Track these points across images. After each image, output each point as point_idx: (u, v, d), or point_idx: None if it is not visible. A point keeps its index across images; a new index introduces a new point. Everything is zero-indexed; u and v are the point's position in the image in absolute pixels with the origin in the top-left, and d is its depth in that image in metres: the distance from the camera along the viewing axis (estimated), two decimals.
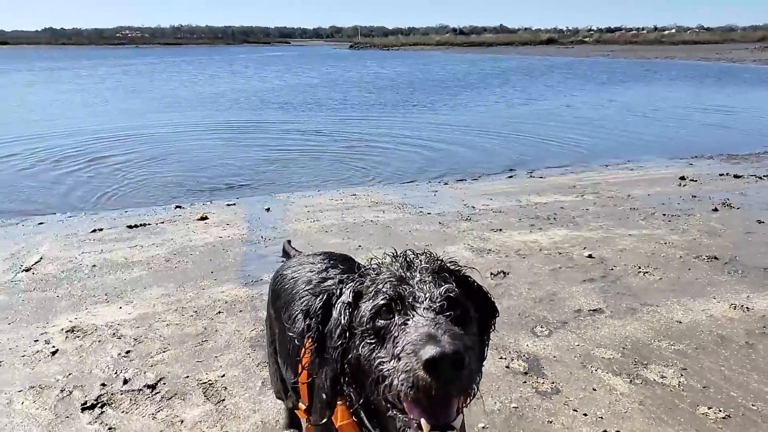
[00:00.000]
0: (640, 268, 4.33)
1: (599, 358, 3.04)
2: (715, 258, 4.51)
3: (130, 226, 5.75)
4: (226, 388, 2.80)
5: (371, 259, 1.30)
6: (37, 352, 3.14)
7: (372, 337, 1.15)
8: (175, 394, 2.75)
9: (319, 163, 9.84)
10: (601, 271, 4.28)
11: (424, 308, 1.11)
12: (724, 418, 2.55)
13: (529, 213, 5.96)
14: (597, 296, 3.82)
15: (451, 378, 0.99)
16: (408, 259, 1.27)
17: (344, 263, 1.96)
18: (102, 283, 4.25)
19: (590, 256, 4.57)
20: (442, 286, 1.18)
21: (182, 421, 2.55)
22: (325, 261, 1.94)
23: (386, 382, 1.07)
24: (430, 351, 0.98)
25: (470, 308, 1.21)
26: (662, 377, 2.87)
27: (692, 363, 3.01)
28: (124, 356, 3.09)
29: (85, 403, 2.66)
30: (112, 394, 2.74)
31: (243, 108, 17.59)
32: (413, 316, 1.10)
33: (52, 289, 4.14)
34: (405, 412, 1.07)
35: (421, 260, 1.27)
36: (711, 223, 5.45)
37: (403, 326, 1.09)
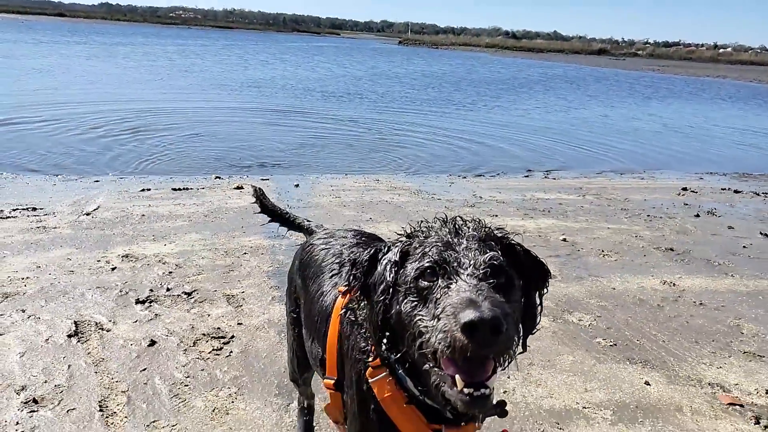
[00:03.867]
0: (602, 251, 4.95)
1: None
2: (671, 249, 5.09)
3: (174, 189, 6.57)
4: (244, 299, 3.59)
5: (421, 222, 1.33)
6: (100, 267, 3.96)
7: (415, 295, 1.18)
8: (205, 299, 3.55)
9: (351, 150, 10.46)
10: (568, 250, 4.88)
11: (467, 274, 1.14)
12: (611, 345, 3.29)
13: (528, 205, 6.51)
14: (555, 267, 4.42)
15: (488, 342, 1.01)
16: (456, 225, 1.29)
17: (375, 242, 1.93)
18: (150, 227, 5.06)
19: (564, 239, 5.17)
20: (487, 253, 1.20)
21: (209, 315, 3.35)
22: (357, 237, 1.96)
23: (424, 338, 1.11)
24: (469, 315, 1.01)
25: (514, 276, 1.23)
26: (579, 320, 3.57)
27: (607, 314, 3.72)
28: (167, 275, 3.89)
29: (138, 299, 3.48)
30: (157, 296, 3.55)
31: (287, 94, 18.44)
32: (456, 281, 1.13)
33: (109, 229, 4.97)
34: (441, 368, 1.12)
35: (469, 227, 1.29)
36: (686, 225, 5.96)
37: (445, 289, 1.13)
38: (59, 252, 4.25)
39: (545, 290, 1.33)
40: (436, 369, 1.12)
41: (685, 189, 7.87)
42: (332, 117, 14.09)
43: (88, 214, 5.43)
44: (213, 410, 2.50)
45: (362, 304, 1.35)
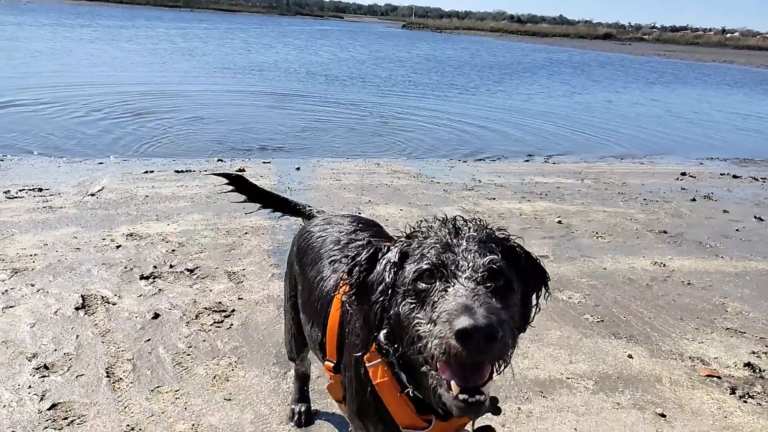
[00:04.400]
0: (596, 233, 5.04)
1: None
2: (664, 232, 5.19)
3: (177, 171, 6.67)
4: (244, 275, 3.71)
5: (420, 221, 1.32)
6: (105, 245, 4.08)
7: (413, 297, 1.18)
8: (207, 276, 3.67)
9: (353, 134, 10.50)
10: (562, 232, 4.97)
11: (465, 277, 1.13)
12: (598, 321, 3.40)
13: (526, 189, 6.59)
14: (548, 248, 4.53)
15: (483, 349, 1.01)
16: (456, 225, 1.28)
17: (372, 227, 1.98)
18: (153, 208, 5.17)
19: (559, 222, 5.26)
20: (487, 256, 1.18)
21: (211, 290, 3.48)
22: (354, 223, 1.95)
23: (421, 343, 1.12)
24: (463, 322, 1.01)
25: (513, 280, 1.22)
26: (569, 298, 3.68)
27: (597, 292, 3.82)
28: (170, 252, 4.01)
29: (142, 275, 3.61)
30: (161, 272, 3.67)
31: (290, 78, 18.42)
32: (454, 284, 1.12)
33: (113, 209, 5.08)
34: (438, 371, 1.12)
35: (469, 227, 1.27)
36: (681, 209, 6.04)
37: (443, 292, 1.12)
38: (65, 230, 4.37)
39: (543, 294, 1.32)
40: (432, 372, 1.14)
41: (683, 174, 7.93)
42: (335, 101, 14.10)
43: (92, 195, 5.54)
44: (214, 377, 2.63)
45: (354, 304, 1.34)
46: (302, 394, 2.39)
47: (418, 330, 1.13)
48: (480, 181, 6.98)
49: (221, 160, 7.60)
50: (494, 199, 6.04)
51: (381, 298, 1.24)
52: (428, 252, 1.21)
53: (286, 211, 2.43)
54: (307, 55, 28.88)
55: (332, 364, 1.62)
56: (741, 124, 14.71)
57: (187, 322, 3.08)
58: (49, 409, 2.33)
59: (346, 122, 11.51)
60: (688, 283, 4.02)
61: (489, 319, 1.01)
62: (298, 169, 7.21)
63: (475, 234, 1.25)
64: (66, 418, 2.29)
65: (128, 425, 2.27)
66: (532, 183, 6.99)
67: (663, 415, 2.53)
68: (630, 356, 3.01)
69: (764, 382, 2.80)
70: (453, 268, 1.16)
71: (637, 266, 4.32)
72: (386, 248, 1.32)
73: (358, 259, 1.34)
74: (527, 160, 9.08)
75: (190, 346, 2.86)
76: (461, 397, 1.08)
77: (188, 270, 3.72)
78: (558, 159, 9.19)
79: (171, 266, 3.76)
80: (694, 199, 6.48)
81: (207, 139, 9.40)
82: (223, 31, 48.23)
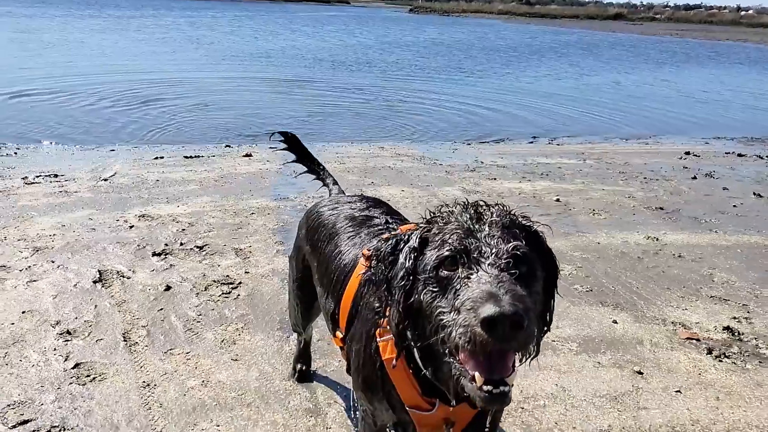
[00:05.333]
0: (593, 210, 5.16)
1: None
2: (661, 209, 5.29)
3: (186, 157, 6.86)
4: (251, 252, 3.92)
5: (441, 206, 1.30)
6: (119, 226, 4.30)
7: (434, 285, 1.16)
8: (216, 252, 3.88)
9: (358, 119, 10.58)
10: (560, 210, 5.10)
11: (489, 264, 1.10)
12: (587, 291, 3.55)
13: (527, 170, 6.70)
14: (544, 224, 4.63)
15: (508, 337, 0.99)
16: (479, 210, 1.25)
17: (381, 205, 2.00)
18: (164, 191, 5.37)
19: (558, 200, 5.38)
20: (511, 242, 1.16)
21: (219, 265, 3.68)
22: (364, 201, 1.99)
23: (444, 333, 1.09)
24: (488, 310, 0.98)
25: (537, 267, 1.20)
26: (561, 270, 3.72)
27: (588, 264, 3.96)
28: (181, 232, 4.22)
29: (154, 252, 3.82)
30: (172, 249, 3.89)
31: (297, 64, 18.50)
32: (477, 271, 1.09)
33: (126, 192, 5.29)
34: (461, 362, 1.10)
35: (492, 213, 1.24)
36: (681, 187, 6.11)
37: (466, 280, 1.09)
38: (81, 213, 4.58)
39: (556, 289, 1.29)
40: (455, 363, 1.12)
41: (687, 153, 7.96)
42: (341, 86, 14.17)
43: (105, 180, 5.76)
44: (222, 341, 2.83)
45: (384, 296, 1.30)
46: (304, 354, 2.55)
47: (442, 319, 1.10)
48: (482, 162, 7.09)
49: (229, 146, 7.79)
50: (495, 179, 6.17)
51: (403, 283, 1.22)
52: (450, 238, 1.18)
53: (319, 178, 2.59)
54: (315, 41, 28.84)
55: (341, 336, 1.64)
56: (752, 102, 14.55)
57: (197, 294, 3.28)
58: (73, 368, 2.55)
59: (352, 107, 11.59)
60: (679, 256, 4.14)
61: (515, 306, 0.99)
62: None
63: (498, 219, 1.21)
64: (88, 376, 2.50)
65: (144, 382, 2.48)
66: (534, 164, 7.08)
67: (640, 372, 2.69)
68: (615, 321, 3.16)
69: (741, 345, 2.95)
70: (476, 254, 1.13)
71: (631, 240, 4.44)
72: (407, 236, 1.29)
73: (383, 252, 1.31)
74: (531, 142, 9.14)
75: (200, 314, 3.06)
76: (485, 388, 1.06)
77: (198, 247, 3.93)
78: (562, 140, 9.25)
79: (181, 244, 3.97)
80: (695, 177, 6.54)
81: (215, 126, 9.58)
82: (230, 18, 48.22)
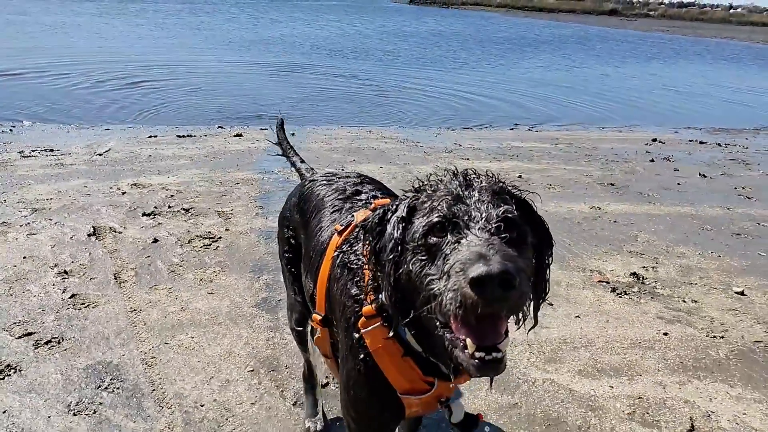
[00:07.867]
0: (550, 185, 5.64)
1: None
2: (612, 185, 5.77)
3: (179, 136, 7.27)
4: (232, 214, 4.38)
5: (430, 175, 1.29)
6: (112, 192, 4.74)
7: (423, 253, 1.13)
8: (200, 214, 4.35)
9: (350, 104, 10.86)
10: (519, 184, 5.38)
11: (478, 228, 1.08)
12: None
13: (500, 152, 7.14)
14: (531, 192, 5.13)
15: (499, 298, 0.96)
16: (468, 178, 1.23)
17: (375, 183, 1.95)
18: (155, 165, 5.79)
19: (520, 176, 5.84)
20: (501, 207, 1.14)
21: (202, 224, 4.16)
22: (357, 177, 1.93)
23: (435, 302, 1.06)
24: (478, 269, 0.96)
25: (528, 232, 1.18)
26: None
27: None
28: (169, 197, 4.67)
29: (144, 212, 4.28)
30: (161, 211, 4.35)
31: (294, 51, 18.74)
32: (467, 235, 1.07)
33: (120, 165, 5.70)
34: (452, 331, 1.07)
35: (481, 179, 1.23)
36: (637, 168, 6.58)
37: (455, 244, 1.07)
38: (77, 182, 5.01)
39: (549, 260, 1.26)
40: (447, 334, 1.09)
41: (654, 140, 8.40)
42: (336, 73, 14.42)
43: (100, 155, 6.16)
44: (200, 280, 3.29)
45: (376, 270, 1.26)
46: (314, 406, 2.22)
47: (432, 288, 1.07)
48: (461, 145, 7.52)
49: (221, 127, 8.20)
50: (467, 159, 6.60)
51: (392, 256, 1.19)
52: (438, 204, 1.16)
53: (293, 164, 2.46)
54: (314, 29, 29.01)
55: (320, 317, 1.60)
56: (728, 96, 15.00)
57: (181, 245, 3.73)
58: (70, 298, 3.01)
59: (345, 93, 11.83)
60: (614, 222, 4.62)
61: (505, 265, 0.96)
62: (292, 134, 7.75)
63: (488, 185, 1.20)
64: (83, 303, 2.96)
65: (131, 308, 2.94)
66: (508, 147, 7.52)
67: (551, 304, 3.17)
68: None
69: (642, 286, 3.46)
70: (465, 219, 1.11)
71: (575, 209, 4.91)
72: (394, 206, 1.26)
73: (371, 223, 1.29)
74: (512, 128, 9.53)
75: (183, 261, 3.51)
76: (477, 355, 1.03)
77: (184, 209, 4.37)
78: (542, 128, 9.66)
79: (169, 207, 4.41)
80: (652, 160, 6.99)
81: (209, 108, 9.95)
82: (230, 5, 48.29)
